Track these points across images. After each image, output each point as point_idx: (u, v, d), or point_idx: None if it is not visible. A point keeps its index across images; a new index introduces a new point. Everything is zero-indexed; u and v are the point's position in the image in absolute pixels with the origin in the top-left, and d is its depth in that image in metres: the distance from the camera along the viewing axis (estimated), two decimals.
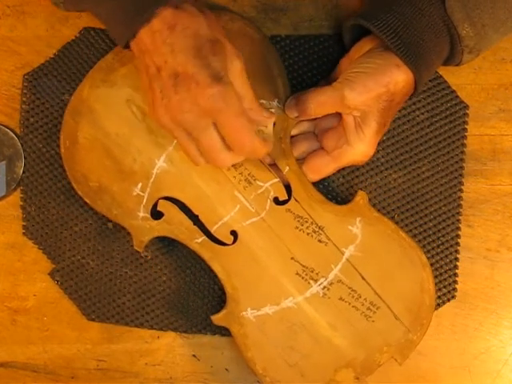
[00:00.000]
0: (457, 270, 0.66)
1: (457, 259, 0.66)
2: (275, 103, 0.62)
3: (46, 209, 0.66)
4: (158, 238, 0.63)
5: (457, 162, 0.66)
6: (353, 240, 0.62)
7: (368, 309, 0.61)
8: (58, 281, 0.66)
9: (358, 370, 0.62)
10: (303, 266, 0.62)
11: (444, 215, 0.66)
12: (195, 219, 0.62)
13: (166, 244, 0.66)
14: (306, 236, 0.62)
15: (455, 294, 0.66)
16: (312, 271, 0.62)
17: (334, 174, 0.65)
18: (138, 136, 0.62)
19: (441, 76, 0.66)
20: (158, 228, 0.62)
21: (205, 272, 0.66)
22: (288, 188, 0.62)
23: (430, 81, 0.66)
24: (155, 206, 0.62)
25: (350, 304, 0.61)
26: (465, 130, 0.66)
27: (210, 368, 0.66)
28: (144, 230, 0.62)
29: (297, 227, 0.62)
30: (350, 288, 0.61)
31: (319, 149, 0.62)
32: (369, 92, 0.56)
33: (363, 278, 0.61)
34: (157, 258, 0.66)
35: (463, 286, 0.66)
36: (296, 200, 0.62)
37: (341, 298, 0.62)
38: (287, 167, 0.62)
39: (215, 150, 0.54)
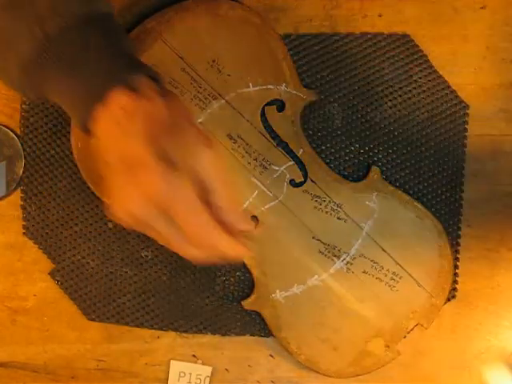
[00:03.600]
0: (457, 270, 0.66)
1: (457, 259, 0.66)
2: (283, 87, 0.63)
3: (46, 209, 0.66)
4: None
5: (457, 161, 0.66)
6: (371, 214, 0.64)
7: (391, 279, 0.63)
8: (58, 281, 0.66)
9: (387, 338, 0.64)
10: (325, 244, 0.63)
11: (444, 215, 0.66)
12: None
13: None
14: (325, 215, 0.63)
15: (455, 293, 0.66)
16: (334, 248, 0.63)
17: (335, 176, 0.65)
18: None
19: (441, 76, 0.66)
20: None
21: (205, 272, 0.66)
22: (303, 169, 0.64)
23: (429, 81, 0.66)
24: None
25: (373, 276, 0.63)
26: (465, 129, 0.66)
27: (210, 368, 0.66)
28: None
29: (315, 207, 0.63)
30: (372, 261, 0.63)
31: None
32: None
33: (384, 250, 0.63)
34: (157, 257, 0.66)
35: (463, 285, 0.66)
36: (312, 181, 0.64)
37: (364, 272, 0.64)
38: (301, 149, 0.64)
39: (176, 241, 0.46)
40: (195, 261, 0.47)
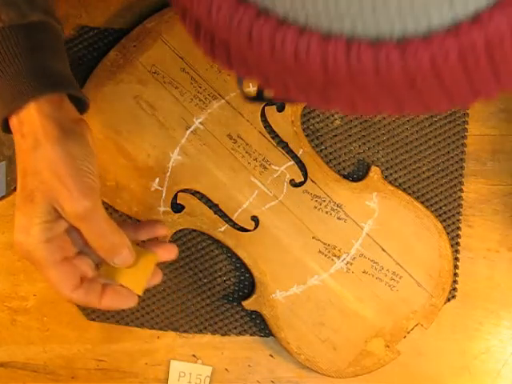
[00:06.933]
0: (457, 270, 0.66)
1: (457, 259, 0.66)
2: None
3: None
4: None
5: (457, 161, 0.66)
6: (371, 214, 0.64)
7: (391, 279, 0.63)
8: None
9: (387, 338, 0.64)
10: (325, 244, 0.63)
11: (444, 215, 0.66)
12: (216, 208, 0.64)
13: None
14: (325, 215, 0.63)
15: (455, 293, 0.66)
16: (334, 248, 0.63)
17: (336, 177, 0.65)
18: (149, 131, 0.63)
19: None
20: (181, 221, 0.63)
21: (205, 272, 0.66)
22: (303, 169, 0.64)
23: None
24: (175, 199, 0.63)
25: (373, 276, 0.63)
26: (465, 129, 0.66)
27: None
28: (167, 224, 0.63)
29: (315, 207, 0.63)
30: (372, 261, 0.63)
31: None
32: None
33: (384, 250, 0.63)
34: None
35: (463, 285, 0.66)
36: (312, 181, 0.63)
37: (364, 271, 0.64)
38: (301, 149, 0.64)
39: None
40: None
